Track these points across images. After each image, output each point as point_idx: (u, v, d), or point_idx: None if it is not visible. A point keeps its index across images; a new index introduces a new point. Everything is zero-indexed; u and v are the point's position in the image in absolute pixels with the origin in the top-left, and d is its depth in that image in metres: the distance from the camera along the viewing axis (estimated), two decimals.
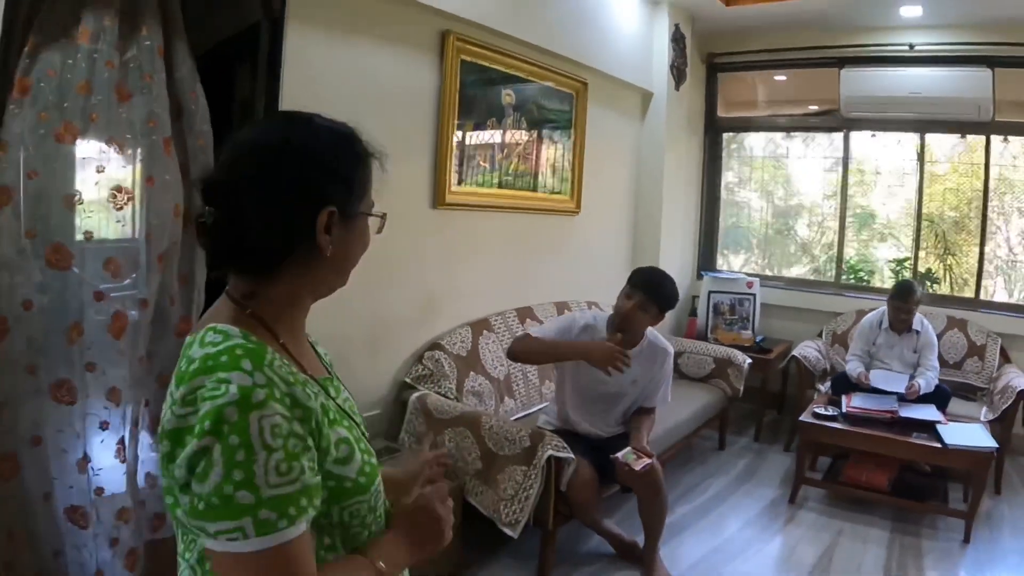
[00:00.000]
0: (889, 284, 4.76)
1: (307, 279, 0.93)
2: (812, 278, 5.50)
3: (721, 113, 5.56)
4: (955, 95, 4.42)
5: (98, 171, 1.96)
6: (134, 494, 2.13)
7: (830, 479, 3.74)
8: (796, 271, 5.65)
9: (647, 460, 2.68)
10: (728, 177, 5.75)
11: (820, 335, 4.68)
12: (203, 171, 0.82)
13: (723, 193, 5.69)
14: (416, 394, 3.07)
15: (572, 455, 2.66)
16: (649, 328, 2.90)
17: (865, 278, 5.28)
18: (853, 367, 3.95)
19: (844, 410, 3.61)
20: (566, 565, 2.90)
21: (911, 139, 4.89)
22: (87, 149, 1.93)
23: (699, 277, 5.34)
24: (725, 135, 5.66)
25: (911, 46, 4.58)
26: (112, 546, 2.09)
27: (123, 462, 2.10)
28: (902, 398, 3.67)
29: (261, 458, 0.75)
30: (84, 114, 1.93)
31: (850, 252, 5.34)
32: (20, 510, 1.89)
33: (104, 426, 2.04)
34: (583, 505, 2.72)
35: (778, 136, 5.54)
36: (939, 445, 3.28)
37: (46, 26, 1.95)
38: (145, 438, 2.16)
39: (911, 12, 4.38)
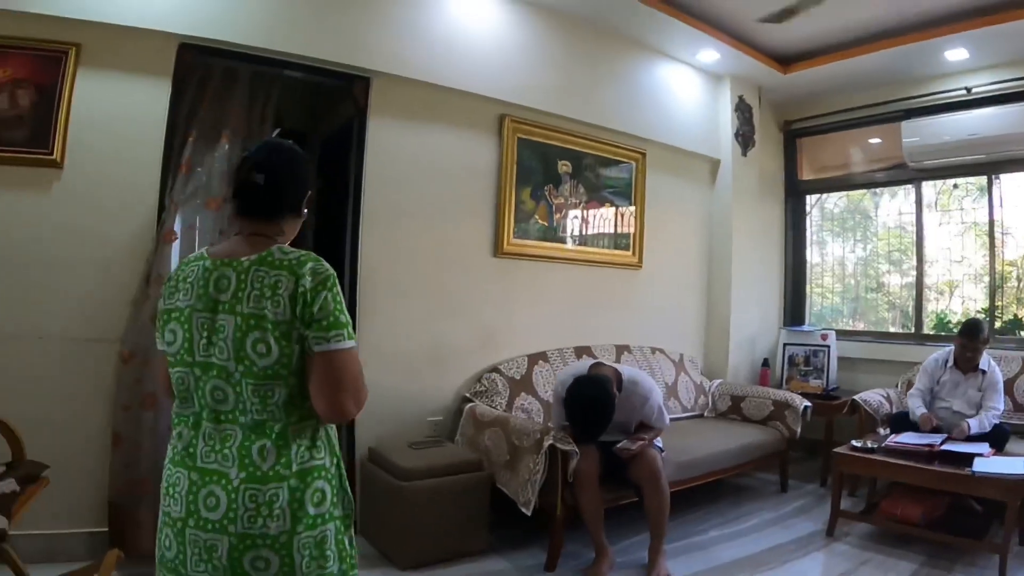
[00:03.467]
0: None
1: (291, 229, 1.70)
2: (893, 330, 5.90)
3: (810, 176, 6.33)
4: (1018, 131, 4.84)
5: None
6: None
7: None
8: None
9: (640, 442, 3.57)
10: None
11: (897, 386, 5.11)
12: (260, 156, 1.69)
13: (812, 255, 6.39)
14: (469, 404, 4.14)
15: (575, 448, 3.50)
16: (628, 374, 3.68)
17: (952, 328, 5.54)
18: (915, 405, 4.33)
19: (884, 444, 4.07)
20: (575, 560, 3.60)
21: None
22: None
23: None
24: (812, 197, 6.43)
25: (968, 89, 5.14)
26: None
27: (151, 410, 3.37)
28: (953, 437, 4.02)
29: (343, 301, 1.55)
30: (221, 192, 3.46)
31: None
32: None
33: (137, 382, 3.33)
34: (584, 479, 3.45)
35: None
36: (968, 474, 3.58)
37: (203, 125, 3.48)
38: None
39: (957, 56, 5.00)
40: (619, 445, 3.58)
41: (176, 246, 3.50)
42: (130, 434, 3.25)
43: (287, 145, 1.75)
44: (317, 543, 1.51)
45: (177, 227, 3.53)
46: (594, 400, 3.41)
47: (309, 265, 1.53)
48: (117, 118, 3.34)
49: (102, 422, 3.27)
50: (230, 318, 1.50)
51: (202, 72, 3.70)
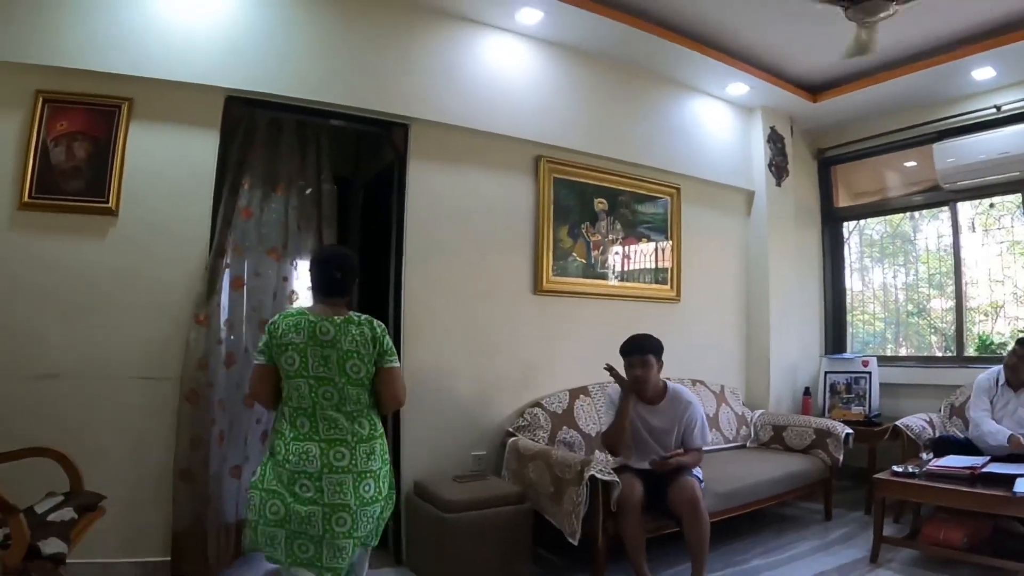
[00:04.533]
0: None
1: (348, 298, 2.90)
2: (938, 354, 6.04)
3: (846, 202, 6.57)
4: None
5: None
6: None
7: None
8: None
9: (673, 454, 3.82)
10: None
11: (940, 410, 5.24)
12: (334, 260, 2.92)
13: (850, 281, 6.60)
14: (511, 439, 4.40)
15: (616, 478, 3.74)
16: (672, 385, 4.04)
17: (996, 350, 5.66)
18: (993, 427, 4.39)
19: (925, 468, 4.19)
20: None
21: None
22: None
23: None
24: (849, 223, 6.66)
25: (998, 107, 5.35)
26: None
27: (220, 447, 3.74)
28: (999, 457, 4.15)
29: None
30: (281, 241, 3.92)
31: None
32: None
33: (211, 422, 3.70)
34: (627, 509, 3.66)
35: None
36: (1010, 495, 3.71)
37: (255, 173, 3.97)
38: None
39: (985, 74, 5.24)
40: (653, 458, 3.83)
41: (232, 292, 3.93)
42: (198, 469, 3.61)
43: (348, 253, 3.07)
44: (387, 475, 2.86)
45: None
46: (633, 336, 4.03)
47: (375, 323, 2.86)
48: (168, 168, 3.72)
49: (157, 456, 3.58)
50: (333, 351, 2.74)
51: (249, 122, 4.09)
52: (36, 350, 3.42)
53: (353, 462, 2.70)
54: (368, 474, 2.73)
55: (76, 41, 3.52)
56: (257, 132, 4.14)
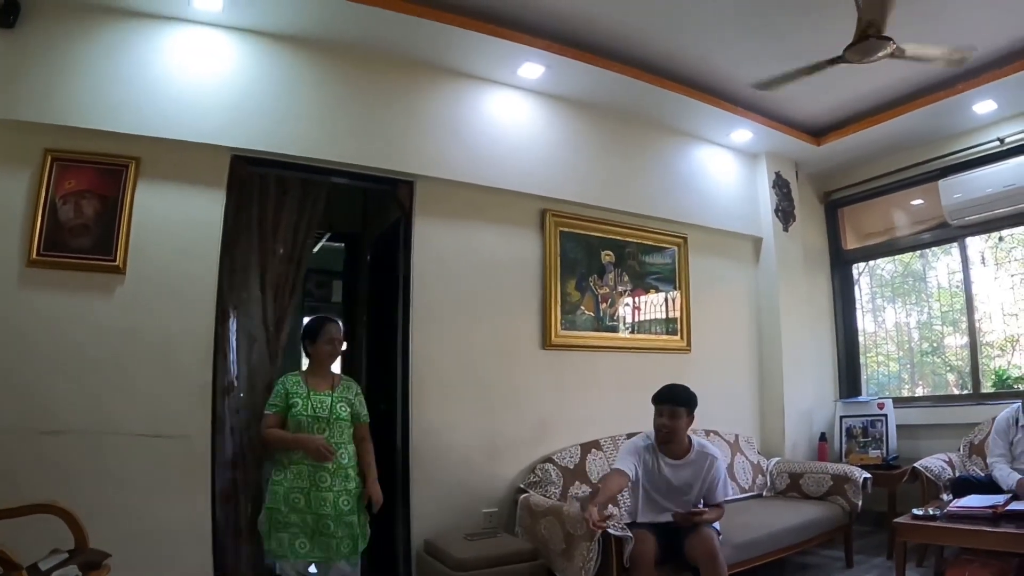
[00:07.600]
0: None
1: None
2: (955, 392, 6.25)
3: (855, 244, 6.88)
4: None
5: None
6: None
7: None
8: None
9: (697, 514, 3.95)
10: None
11: (959, 449, 5.41)
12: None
13: (862, 323, 6.84)
14: (523, 495, 4.59)
15: (629, 533, 3.89)
16: (697, 440, 4.21)
17: (1013, 385, 5.84)
18: (1004, 473, 4.50)
19: (946, 510, 4.31)
20: None
21: None
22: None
23: None
24: (859, 265, 6.96)
25: (1001, 140, 5.64)
26: None
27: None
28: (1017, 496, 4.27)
29: None
30: (286, 298, 4.17)
31: None
32: None
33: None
34: (640, 563, 3.78)
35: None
36: None
37: (261, 230, 4.41)
38: None
39: (986, 108, 5.54)
40: (675, 512, 3.98)
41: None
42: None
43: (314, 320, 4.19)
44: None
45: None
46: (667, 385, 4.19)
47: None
48: (175, 226, 3.94)
49: (165, 515, 3.68)
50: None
51: (255, 180, 4.40)
52: (42, 406, 3.55)
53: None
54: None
55: (85, 101, 3.77)
56: (263, 190, 4.46)
